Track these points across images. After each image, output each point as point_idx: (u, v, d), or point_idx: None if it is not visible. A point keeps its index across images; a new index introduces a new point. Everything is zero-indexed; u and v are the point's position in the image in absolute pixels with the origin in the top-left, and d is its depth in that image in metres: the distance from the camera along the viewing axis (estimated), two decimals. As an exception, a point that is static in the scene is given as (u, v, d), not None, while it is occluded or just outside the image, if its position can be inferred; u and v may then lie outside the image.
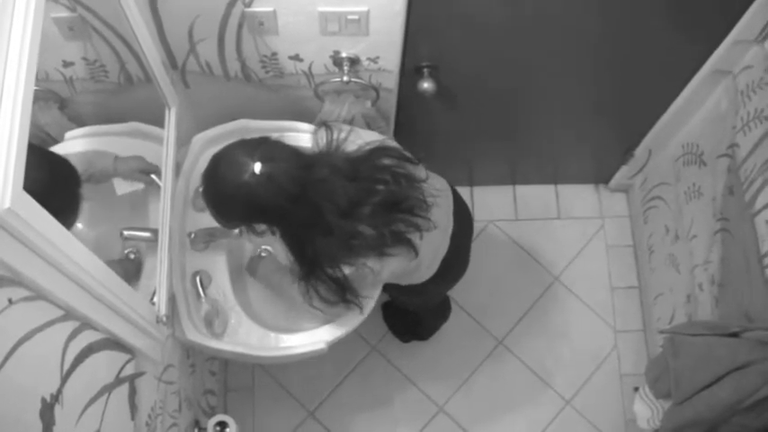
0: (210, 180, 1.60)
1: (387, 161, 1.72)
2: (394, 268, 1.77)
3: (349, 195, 1.61)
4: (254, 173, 1.52)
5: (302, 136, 2.11)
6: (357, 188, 1.63)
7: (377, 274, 1.74)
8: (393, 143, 1.81)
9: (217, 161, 1.60)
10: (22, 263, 0.96)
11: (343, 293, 1.72)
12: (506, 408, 2.77)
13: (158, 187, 1.83)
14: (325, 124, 1.73)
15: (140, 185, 1.89)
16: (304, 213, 1.59)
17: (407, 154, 1.78)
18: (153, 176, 1.87)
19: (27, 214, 0.92)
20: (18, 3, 0.96)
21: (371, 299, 1.92)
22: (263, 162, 1.53)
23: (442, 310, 2.70)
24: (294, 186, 1.56)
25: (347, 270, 1.68)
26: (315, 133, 1.73)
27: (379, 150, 1.73)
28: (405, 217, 1.70)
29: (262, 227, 1.69)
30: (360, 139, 1.75)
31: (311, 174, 1.59)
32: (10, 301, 0.95)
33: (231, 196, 1.57)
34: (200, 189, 1.70)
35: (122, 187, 1.88)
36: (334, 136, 1.70)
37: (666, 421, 1.93)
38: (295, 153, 1.61)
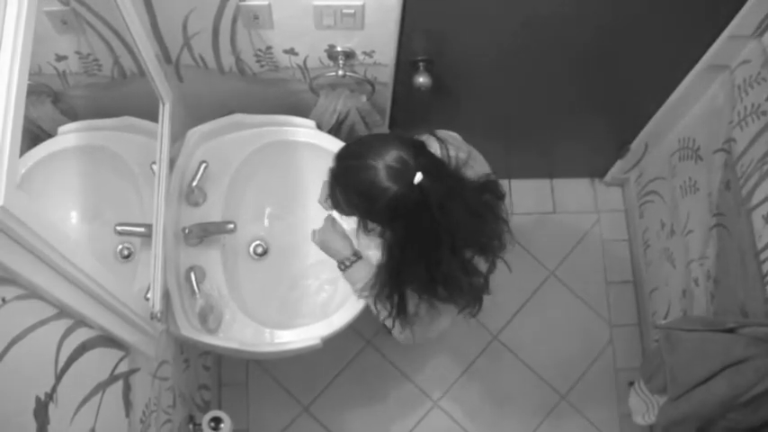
0: (359, 167, 1.44)
1: (489, 197, 1.64)
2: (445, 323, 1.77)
3: (467, 233, 1.53)
4: (410, 182, 1.39)
5: (297, 130, 2.10)
6: (473, 227, 1.55)
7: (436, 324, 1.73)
8: (495, 178, 1.71)
9: (369, 149, 1.44)
10: (16, 261, 0.95)
11: (398, 319, 1.68)
12: (501, 402, 2.77)
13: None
14: (436, 137, 1.60)
15: None
16: (428, 236, 1.48)
17: (503, 191, 1.69)
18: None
19: (21, 212, 0.91)
20: (10, -3, 0.94)
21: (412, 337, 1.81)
22: (424, 174, 1.39)
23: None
24: (438, 208, 1.43)
25: (422, 306, 1.64)
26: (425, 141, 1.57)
27: (491, 186, 1.64)
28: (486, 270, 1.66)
29: (375, 227, 1.57)
30: (477, 167, 1.66)
31: (452, 200, 1.47)
32: (3, 300, 0.94)
33: (373, 193, 1.42)
34: (335, 167, 1.54)
35: None
36: (452, 153, 1.55)
37: (661, 416, 1.93)
38: (448, 172, 1.50)
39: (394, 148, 1.42)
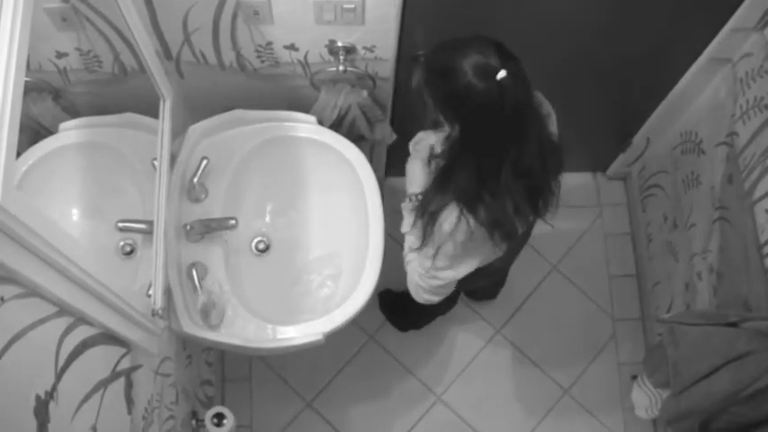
0: (448, 53, 1.48)
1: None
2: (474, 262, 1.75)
3: (532, 157, 1.55)
4: (494, 75, 1.41)
5: (298, 126, 2.10)
6: (540, 154, 1.57)
7: (460, 253, 1.69)
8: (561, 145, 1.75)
9: (468, 37, 1.48)
10: (15, 260, 0.95)
11: (425, 236, 1.65)
12: (504, 397, 2.77)
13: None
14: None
15: None
16: (494, 140, 1.51)
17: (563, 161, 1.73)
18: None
19: (19, 211, 0.90)
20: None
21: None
22: (509, 74, 1.42)
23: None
24: (514, 117, 1.46)
25: (461, 226, 1.59)
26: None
27: (558, 148, 1.69)
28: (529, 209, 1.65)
29: (445, 125, 1.57)
30: (552, 128, 1.73)
31: (528, 112, 1.51)
32: (2, 299, 0.94)
33: (457, 77, 1.44)
34: (426, 53, 1.56)
35: None
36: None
37: (665, 410, 1.93)
38: (532, 91, 1.54)
39: (491, 45, 1.46)
